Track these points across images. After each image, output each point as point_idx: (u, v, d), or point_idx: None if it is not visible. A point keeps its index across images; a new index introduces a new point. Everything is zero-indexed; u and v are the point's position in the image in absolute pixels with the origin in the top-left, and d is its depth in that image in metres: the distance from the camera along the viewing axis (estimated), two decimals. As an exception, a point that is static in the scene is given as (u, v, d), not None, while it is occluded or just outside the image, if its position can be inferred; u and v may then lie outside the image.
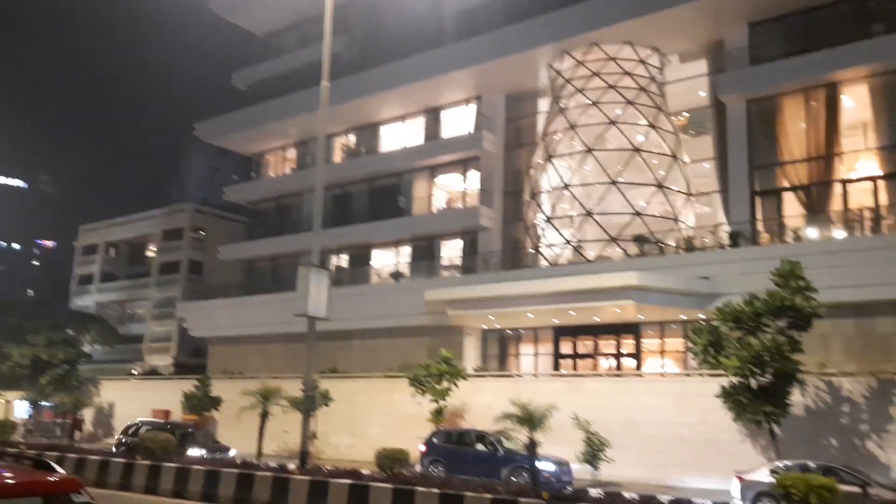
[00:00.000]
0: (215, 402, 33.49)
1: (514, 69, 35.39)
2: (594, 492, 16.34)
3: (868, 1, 28.41)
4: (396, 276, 38.27)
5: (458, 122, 38.99)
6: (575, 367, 31.57)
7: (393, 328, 34.65)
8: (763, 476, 17.07)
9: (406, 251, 39.68)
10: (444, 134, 39.52)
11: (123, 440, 26.23)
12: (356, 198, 42.19)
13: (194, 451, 23.36)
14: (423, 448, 23.23)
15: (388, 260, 40.29)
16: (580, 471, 22.39)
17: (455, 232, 37.39)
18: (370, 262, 40.94)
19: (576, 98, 33.29)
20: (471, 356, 32.91)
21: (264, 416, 28.36)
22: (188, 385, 34.85)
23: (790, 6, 29.34)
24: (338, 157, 44.10)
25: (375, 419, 30.12)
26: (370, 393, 31.21)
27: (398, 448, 23.38)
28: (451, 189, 39.64)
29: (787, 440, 21.02)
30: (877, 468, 20.14)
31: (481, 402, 26.98)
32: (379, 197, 41.11)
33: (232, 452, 24.32)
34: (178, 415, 35.25)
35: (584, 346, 32.14)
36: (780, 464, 17.88)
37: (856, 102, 28.46)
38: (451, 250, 37.95)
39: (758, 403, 20.06)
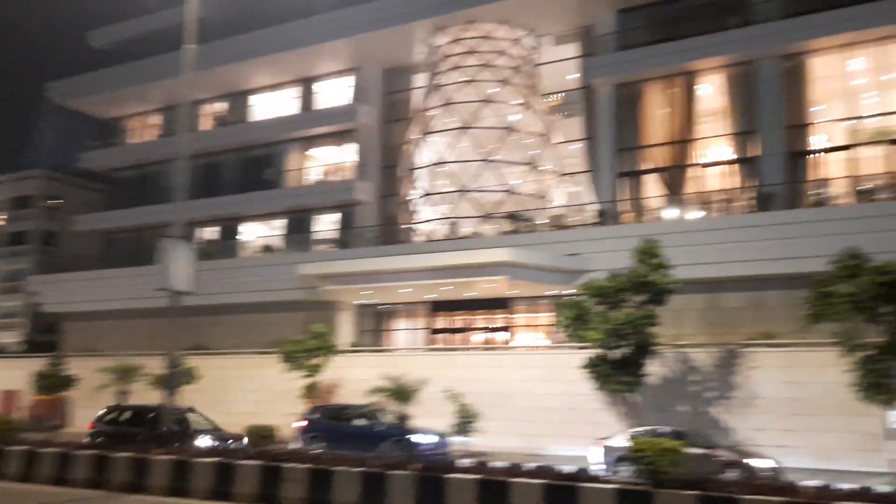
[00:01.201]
0: (69, 382, 31.61)
1: (392, 42, 35.13)
2: (465, 462, 16.77)
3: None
4: (269, 249, 37.35)
5: (335, 93, 38.36)
6: (450, 342, 32.08)
7: (265, 303, 33.87)
8: (621, 441, 18.04)
9: (279, 224, 38.75)
10: (319, 105, 38.76)
11: (97, 429, 21.42)
12: (226, 168, 40.68)
13: (203, 441, 19.33)
14: (302, 424, 22.94)
15: (260, 233, 39.23)
16: (454, 442, 22.84)
17: (330, 205, 36.86)
18: (241, 235, 39.71)
19: (452, 75, 33.51)
20: (346, 331, 32.70)
21: (123, 395, 27.08)
22: (40, 364, 32.64)
23: (654, -5, 30.78)
24: (207, 124, 42.27)
25: (246, 396, 29.40)
26: (240, 369, 30.43)
27: (267, 424, 22.99)
28: (327, 162, 38.99)
29: (644, 407, 22.37)
30: (721, 431, 21.81)
31: (355, 378, 26.93)
32: (251, 167, 39.85)
33: (245, 441, 20.83)
34: (28, 396, 33.01)
35: (459, 320, 32.68)
36: (636, 429, 18.99)
37: (712, 90, 30.25)
38: (327, 224, 37.43)
39: (618, 374, 21.22)
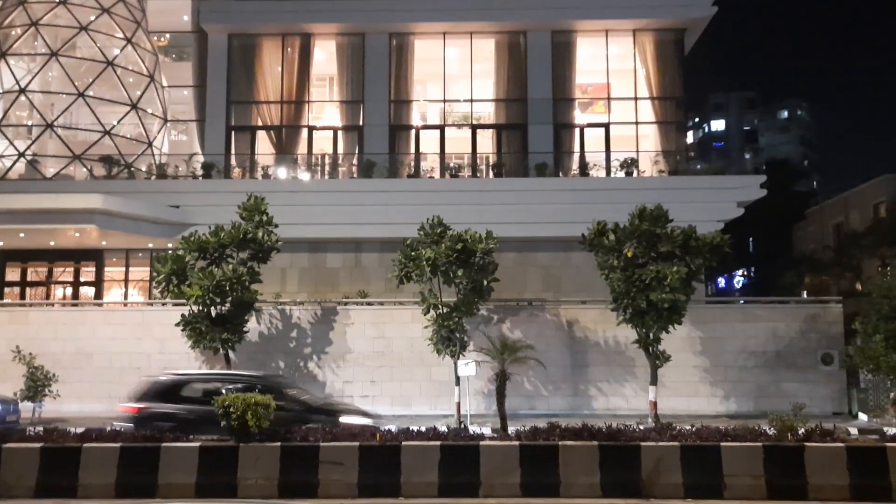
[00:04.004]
0: None
1: (-38, -62, 29.16)
2: (32, 430, 14.90)
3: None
4: None
5: None
6: (23, 296, 28.18)
7: None
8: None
9: None
10: None
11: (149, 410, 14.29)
12: None
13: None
14: None
15: None
16: (25, 408, 20.11)
17: None
18: None
19: (42, -10, 29.05)
20: None
21: None
22: None
23: (275, -50, 30.27)
24: None
25: None
26: None
27: None
28: None
29: (242, 364, 22.23)
30: (316, 385, 22.75)
31: None
32: None
33: None
34: None
35: (37, 272, 28.84)
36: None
37: (326, 56, 30.98)
38: None
39: (216, 331, 20.75)
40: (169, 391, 14.86)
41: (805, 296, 25.97)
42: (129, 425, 13.68)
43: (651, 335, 20.26)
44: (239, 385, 14.67)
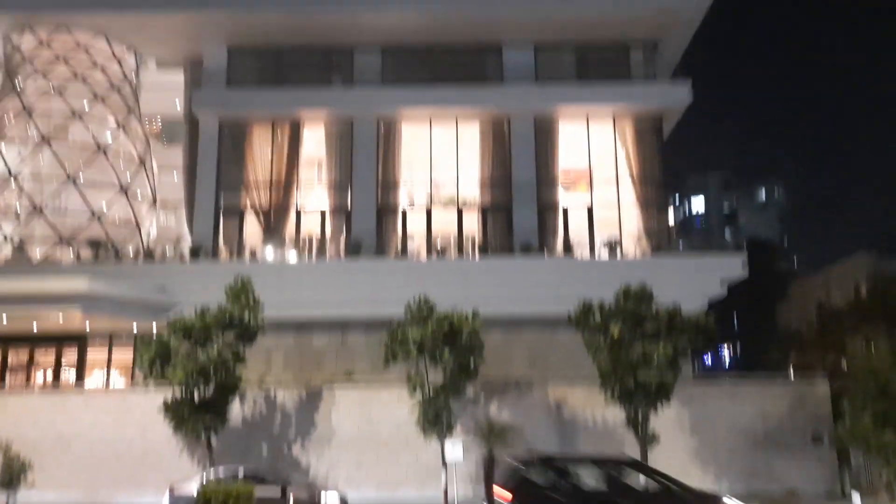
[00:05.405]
0: None
1: (-41, 29, 29.97)
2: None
3: (332, 54, 31.95)
4: None
5: None
6: (3, 381, 27.62)
7: None
8: (194, 487, 17.23)
9: None
10: None
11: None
12: None
13: None
14: None
15: None
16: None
17: None
18: None
19: (36, 81, 29.75)
20: None
21: None
22: None
23: (265, 40, 31.18)
24: None
25: None
26: None
27: None
28: None
29: (224, 449, 21.79)
30: (301, 469, 22.26)
31: None
32: None
33: None
34: None
35: (17, 356, 28.34)
36: (212, 473, 18.33)
37: (314, 140, 31.56)
38: None
39: (198, 415, 20.39)
40: (540, 474, 14.63)
41: (791, 373, 25.98)
42: None
43: (640, 415, 20.13)
44: (608, 466, 14.83)
